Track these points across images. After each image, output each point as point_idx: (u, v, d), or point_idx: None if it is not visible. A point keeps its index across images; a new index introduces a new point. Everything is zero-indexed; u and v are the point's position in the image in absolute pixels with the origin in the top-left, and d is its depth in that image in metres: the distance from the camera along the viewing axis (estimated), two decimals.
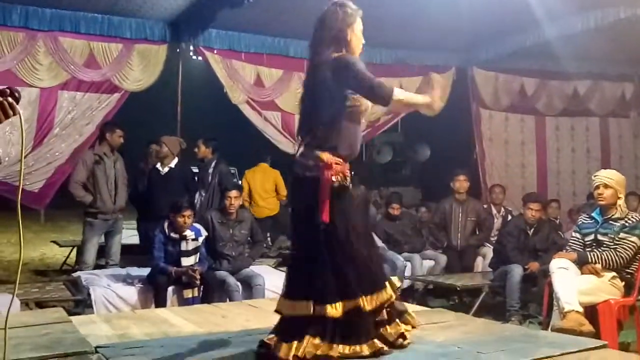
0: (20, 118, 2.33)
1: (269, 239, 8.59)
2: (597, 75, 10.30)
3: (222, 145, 8.05)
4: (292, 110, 8.38)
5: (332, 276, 3.05)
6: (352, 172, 3.27)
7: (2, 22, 6.97)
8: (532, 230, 6.74)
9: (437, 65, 9.59)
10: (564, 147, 10.67)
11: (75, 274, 6.59)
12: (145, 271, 6.13)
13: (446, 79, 9.12)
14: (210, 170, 7.71)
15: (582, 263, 4.88)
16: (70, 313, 4.83)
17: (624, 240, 4.81)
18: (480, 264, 7.82)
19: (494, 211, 8.50)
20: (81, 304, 5.88)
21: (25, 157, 7.05)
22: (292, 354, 2.98)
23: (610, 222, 4.92)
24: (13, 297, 2.50)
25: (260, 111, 8.60)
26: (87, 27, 7.39)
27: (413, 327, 3.47)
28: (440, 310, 4.79)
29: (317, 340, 3.01)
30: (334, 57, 3.15)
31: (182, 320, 4.24)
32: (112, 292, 5.81)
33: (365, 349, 3.05)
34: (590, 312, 4.65)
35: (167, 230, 5.95)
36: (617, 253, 4.79)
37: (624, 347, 4.76)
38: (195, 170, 8.03)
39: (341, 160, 3.15)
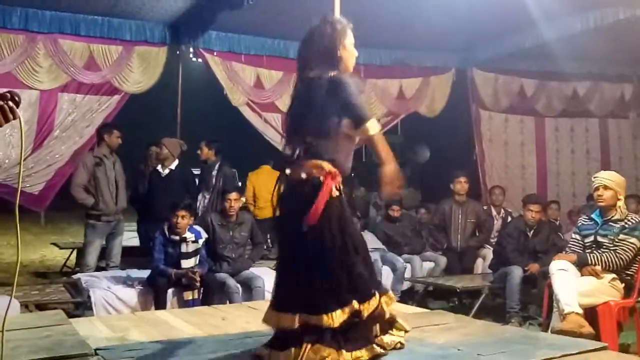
0: (20, 122, 2.35)
1: (269, 240, 8.58)
2: (596, 76, 10.30)
3: (222, 147, 8.03)
4: None
5: (326, 285, 3.02)
6: (347, 188, 3.28)
7: (2, 25, 6.98)
8: (531, 232, 6.74)
9: (437, 66, 9.62)
10: (563, 148, 10.66)
11: (75, 276, 6.58)
12: (145, 273, 6.14)
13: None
14: (214, 173, 7.68)
15: (581, 264, 4.88)
16: (70, 315, 4.83)
17: (624, 242, 4.81)
18: (480, 265, 7.82)
19: (494, 212, 8.50)
20: (81, 306, 5.88)
21: (25, 159, 7.06)
22: None
23: (610, 223, 4.92)
24: (11, 298, 2.50)
25: (260, 113, 8.61)
26: (87, 29, 7.39)
27: (406, 331, 3.46)
28: (440, 312, 4.80)
29: (316, 347, 2.98)
30: (329, 76, 3.09)
31: (182, 323, 4.24)
32: (112, 294, 5.81)
33: (365, 354, 3.05)
34: (590, 313, 4.65)
35: (167, 232, 5.96)
36: (617, 254, 4.79)
37: (624, 349, 4.76)
38: (197, 172, 8.02)
39: (338, 172, 3.13)
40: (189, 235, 5.94)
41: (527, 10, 6.87)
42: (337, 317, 2.97)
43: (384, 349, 3.17)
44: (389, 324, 3.28)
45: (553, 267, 4.87)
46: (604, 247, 4.88)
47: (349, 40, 3.24)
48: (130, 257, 7.21)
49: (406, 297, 7.17)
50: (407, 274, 7.39)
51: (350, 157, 3.26)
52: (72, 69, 7.36)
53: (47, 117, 7.34)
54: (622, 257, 4.78)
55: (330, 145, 3.12)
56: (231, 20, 7.35)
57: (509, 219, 8.16)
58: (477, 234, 7.95)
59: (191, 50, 8.16)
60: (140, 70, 7.77)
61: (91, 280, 6.13)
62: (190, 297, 5.84)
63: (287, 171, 3.18)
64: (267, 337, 3.23)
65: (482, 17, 7.36)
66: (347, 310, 3.00)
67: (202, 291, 5.95)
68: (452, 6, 6.97)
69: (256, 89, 8.54)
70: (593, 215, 5.07)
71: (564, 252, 5.23)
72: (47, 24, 7.19)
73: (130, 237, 7.51)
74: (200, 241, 6.03)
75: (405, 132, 11.27)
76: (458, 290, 6.74)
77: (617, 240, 4.84)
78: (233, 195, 6.35)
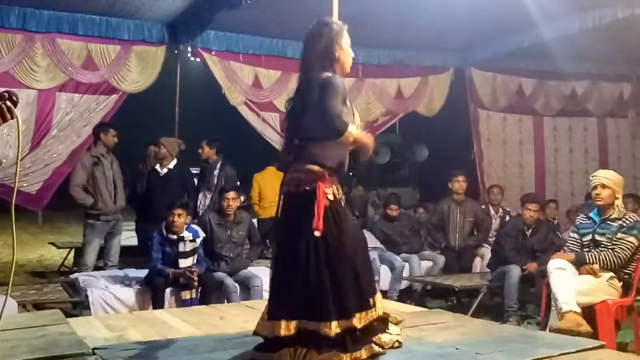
0: (18, 122, 2.35)
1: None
2: (595, 75, 10.31)
3: (223, 146, 8.00)
4: None
5: (325, 292, 3.01)
6: (345, 187, 3.27)
7: None
8: (530, 231, 6.74)
9: (435, 66, 9.62)
10: (561, 147, 10.67)
11: (72, 276, 6.58)
12: (143, 273, 6.13)
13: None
14: (216, 172, 7.64)
15: (579, 263, 4.88)
16: (68, 315, 4.83)
17: (622, 241, 4.81)
18: (479, 264, 7.82)
19: (492, 212, 8.51)
20: (79, 305, 5.88)
21: (22, 159, 7.06)
22: None
23: (608, 222, 4.92)
24: (7, 298, 2.49)
25: (258, 112, 8.60)
26: (85, 28, 7.38)
27: (398, 323, 3.45)
28: (438, 311, 4.80)
29: (314, 349, 2.97)
30: (322, 77, 3.12)
31: (179, 322, 4.24)
32: (110, 293, 5.81)
33: (363, 354, 3.05)
34: (588, 312, 4.65)
35: (164, 232, 5.95)
36: (615, 253, 4.79)
37: (622, 348, 4.77)
38: (195, 171, 8.01)
39: (332, 174, 3.15)
40: (187, 235, 5.94)
41: (525, 10, 6.87)
42: (334, 328, 2.96)
43: (382, 347, 3.17)
44: (384, 322, 3.28)
45: (551, 266, 4.87)
46: (602, 245, 4.88)
47: (346, 40, 3.27)
48: (128, 256, 7.20)
49: (404, 296, 7.18)
50: (406, 273, 7.39)
51: (345, 156, 3.26)
52: (70, 68, 7.35)
53: (45, 116, 7.32)
54: (620, 255, 4.78)
55: (322, 147, 3.14)
56: (229, 20, 7.34)
57: (507, 218, 8.17)
58: (476, 233, 7.95)
59: (189, 49, 8.15)
60: (138, 70, 7.76)
61: (89, 279, 6.13)
62: (188, 297, 5.84)
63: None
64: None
65: (480, 17, 7.36)
66: (344, 323, 2.99)
67: (199, 290, 5.94)
68: (450, 6, 6.97)
69: (254, 88, 8.54)
70: (591, 214, 5.07)
71: (562, 251, 5.24)
72: (45, 24, 7.17)
73: (128, 237, 7.50)
74: (198, 240, 6.02)
75: (403, 131, 11.24)
76: (456, 289, 6.75)
77: (615, 239, 4.84)
78: (231, 194, 6.34)
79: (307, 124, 3.17)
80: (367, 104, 9.15)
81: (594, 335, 4.32)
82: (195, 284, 5.85)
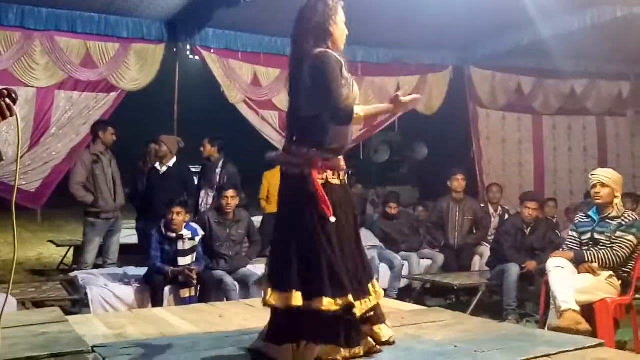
0: (17, 119, 2.34)
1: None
2: (594, 74, 10.31)
3: (225, 144, 7.99)
4: None
5: (321, 272, 2.98)
6: (348, 169, 3.27)
7: None
8: (529, 229, 6.75)
9: (434, 64, 9.61)
10: (561, 145, 10.67)
11: (72, 274, 6.59)
12: (142, 271, 6.13)
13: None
14: (218, 171, 7.65)
15: (578, 262, 4.88)
16: (67, 313, 4.83)
17: (621, 239, 4.81)
18: (478, 263, 7.83)
19: (491, 210, 8.51)
20: (78, 303, 5.89)
21: (21, 157, 7.04)
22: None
23: (607, 220, 4.92)
24: (7, 296, 2.49)
25: (257, 110, 8.59)
26: (83, 26, 7.36)
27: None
28: (437, 309, 4.80)
29: (314, 344, 2.97)
30: (314, 53, 3.10)
31: (179, 320, 4.24)
32: (109, 291, 5.81)
33: (361, 350, 3.06)
34: (587, 310, 4.65)
35: (163, 230, 5.95)
36: (614, 252, 4.80)
37: (621, 346, 4.77)
38: (195, 169, 8.00)
39: (329, 156, 3.13)
40: (186, 233, 5.94)
41: (524, 8, 6.88)
42: (329, 304, 2.93)
43: (380, 342, 3.18)
44: (377, 316, 3.28)
45: (550, 265, 4.87)
46: (601, 244, 4.89)
47: (340, 17, 3.24)
48: (128, 254, 7.21)
49: (403, 294, 7.18)
50: (405, 272, 7.40)
51: (344, 133, 3.21)
52: (68, 66, 7.33)
53: (44, 114, 7.31)
54: (618, 254, 4.79)
55: (317, 127, 3.11)
56: (228, 18, 7.34)
57: (506, 216, 8.18)
58: (475, 232, 7.96)
59: (188, 47, 8.13)
60: (137, 68, 7.75)
61: (88, 277, 6.13)
62: (187, 295, 5.84)
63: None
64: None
65: (479, 15, 7.35)
66: (340, 301, 2.96)
67: (199, 289, 5.94)
68: (449, 4, 6.96)
69: (253, 86, 8.53)
70: (590, 213, 5.07)
71: (561, 250, 5.25)
72: (44, 21, 7.16)
73: (127, 235, 7.51)
74: (197, 238, 6.03)
75: (402, 129, 11.23)
76: (455, 288, 6.75)
77: (614, 237, 4.84)
78: (230, 192, 6.34)
79: (303, 103, 3.14)
80: (366, 102, 9.11)
81: (593, 334, 4.32)
82: (195, 282, 5.85)
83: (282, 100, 8.57)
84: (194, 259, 5.98)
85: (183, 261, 5.90)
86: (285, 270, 3.05)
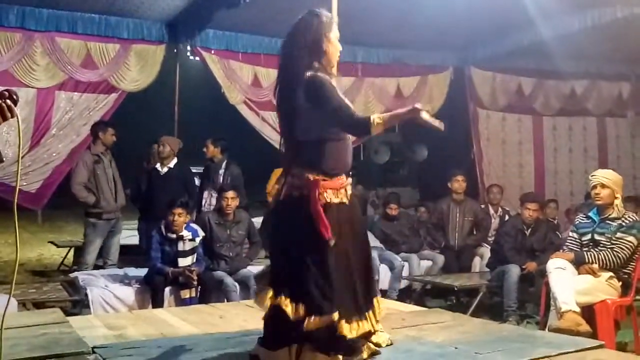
0: (18, 120, 2.35)
1: None
2: (594, 74, 10.32)
3: (228, 145, 7.98)
4: None
5: (310, 290, 2.93)
6: (351, 184, 3.20)
7: None
8: (529, 230, 6.74)
9: (435, 65, 9.62)
10: (561, 146, 10.67)
11: (72, 275, 6.59)
12: (142, 272, 6.14)
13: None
14: (221, 172, 7.66)
15: (579, 263, 4.88)
16: (68, 313, 4.83)
17: (621, 240, 4.81)
18: (478, 264, 7.82)
19: (492, 211, 8.51)
20: (78, 304, 5.88)
21: (22, 157, 7.04)
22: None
23: (607, 221, 4.92)
24: (10, 297, 2.49)
25: (257, 111, 8.60)
26: (84, 27, 7.37)
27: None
28: (437, 311, 4.80)
29: (310, 350, 2.93)
30: (306, 77, 3.01)
31: (179, 321, 4.24)
32: (110, 292, 5.81)
33: (363, 354, 3.05)
34: (588, 312, 4.65)
35: (164, 231, 5.95)
36: (614, 253, 4.79)
37: (621, 347, 4.77)
38: (196, 170, 8.01)
39: (330, 176, 3.05)
40: (186, 234, 5.95)
41: (525, 8, 6.87)
42: (312, 323, 2.88)
43: (380, 346, 3.18)
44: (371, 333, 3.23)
45: (550, 266, 4.87)
46: (601, 245, 4.88)
47: (334, 34, 3.18)
48: (128, 255, 7.21)
49: (404, 295, 7.18)
50: (405, 273, 7.40)
51: (345, 152, 3.15)
52: (69, 67, 7.34)
53: (45, 115, 7.32)
54: (619, 255, 4.79)
55: (316, 151, 3.05)
56: (228, 19, 7.34)
57: (507, 217, 8.18)
58: (475, 233, 7.96)
59: (188, 48, 8.14)
60: (138, 69, 7.75)
61: (89, 278, 6.14)
62: (188, 296, 5.84)
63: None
64: None
65: (480, 16, 7.35)
66: (324, 319, 2.89)
67: (199, 289, 5.95)
68: (449, 4, 6.96)
69: (253, 87, 8.53)
70: (590, 214, 5.07)
71: (561, 251, 5.24)
72: (44, 22, 7.17)
73: (128, 236, 7.51)
74: (197, 239, 6.03)
75: (403, 131, 11.20)
76: (456, 289, 6.75)
77: (614, 238, 4.84)
78: (230, 194, 6.35)
79: (300, 127, 3.07)
80: (367, 103, 9.14)
81: (593, 335, 4.32)
82: (195, 283, 5.85)
83: None
84: (195, 260, 5.98)
85: (183, 262, 5.90)
86: (278, 284, 3.02)
